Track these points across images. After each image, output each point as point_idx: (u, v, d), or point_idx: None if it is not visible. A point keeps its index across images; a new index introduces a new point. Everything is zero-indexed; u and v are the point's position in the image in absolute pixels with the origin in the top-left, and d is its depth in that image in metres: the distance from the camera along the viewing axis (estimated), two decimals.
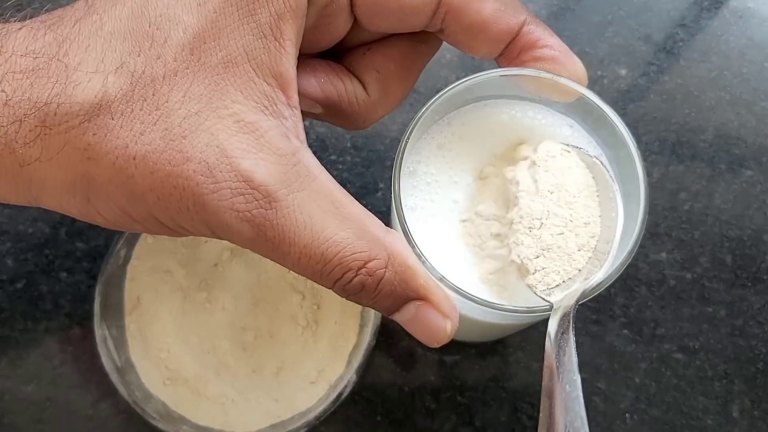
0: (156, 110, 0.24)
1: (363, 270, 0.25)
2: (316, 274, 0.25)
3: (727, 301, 0.41)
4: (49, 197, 0.26)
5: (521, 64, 0.29)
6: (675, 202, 0.43)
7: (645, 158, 0.43)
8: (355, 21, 0.29)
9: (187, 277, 0.39)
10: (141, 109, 0.24)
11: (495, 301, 0.27)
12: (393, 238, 0.26)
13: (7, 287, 0.41)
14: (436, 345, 0.27)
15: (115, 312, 0.38)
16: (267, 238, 0.25)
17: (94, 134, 0.24)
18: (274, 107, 0.25)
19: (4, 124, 0.24)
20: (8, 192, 0.26)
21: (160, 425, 0.36)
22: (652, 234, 0.42)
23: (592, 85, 0.45)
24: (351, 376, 0.37)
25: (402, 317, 0.27)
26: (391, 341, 0.40)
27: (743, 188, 0.43)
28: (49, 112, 0.24)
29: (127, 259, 0.39)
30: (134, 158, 0.24)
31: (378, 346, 0.40)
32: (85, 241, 0.41)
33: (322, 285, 0.26)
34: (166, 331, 0.38)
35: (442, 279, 0.26)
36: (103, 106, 0.24)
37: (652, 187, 0.43)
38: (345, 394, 0.36)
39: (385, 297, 0.26)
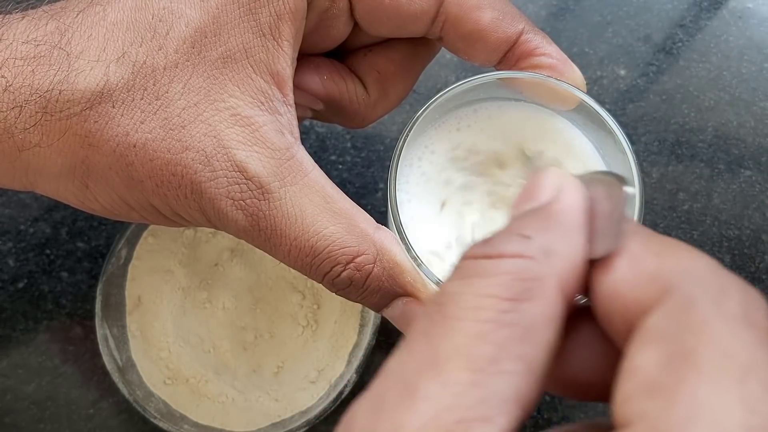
0: (156, 100, 0.25)
1: (351, 264, 0.25)
2: (305, 267, 0.26)
3: None
4: (46, 183, 0.26)
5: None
6: (674, 202, 0.43)
7: (644, 158, 0.44)
8: (356, 25, 0.29)
9: (187, 277, 0.39)
10: (142, 98, 0.25)
11: None
12: (382, 234, 0.26)
13: (8, 287, 0.41)
14: None
15: (116, 311, 0.38)
16: (260, 228, 0.25)
17: (96, 121, 0.24)
18: (270, 103, 0.26)
19: (4, 109, 0.24)
20: (4, 176, 0.26)
21: (161, 424, 0.36)
22: None
23: (591, 85, 0.45)
24: (351, 376, 0.37)
25: (391, 313, 0.27)
26: (391, 341, 0.40)
27: (742, 188, 0.44)
28: (51, 98, 0.24)
29: (128, 259, 0.39)
30: (134, 146, 0.25)
31: (378, 346, 0.40)
32: (86, 241, 0.42)
33: (312, 279, 0.26)
34: (167, 331, 0.39)
35: (438, 282, 0.27)
36: (105, 94, 0.24)
37: (651, 187, 0.43)
38: (345, 394, 0.37)
39: (373, 292, 0.26)
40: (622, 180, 0.18)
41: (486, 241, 0.17)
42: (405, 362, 0.16)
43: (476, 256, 0.17)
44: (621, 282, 0.16)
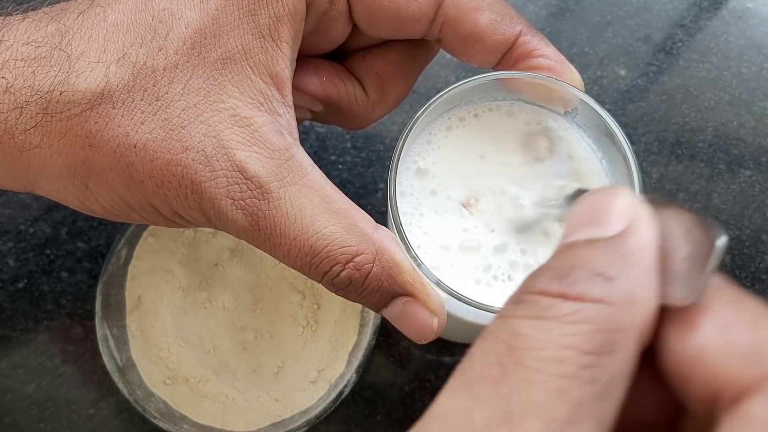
0: (156, 101, 0.25)
1: (350, 264, 0.25)
2: (305, 266, 0.26)
3: None
4: (46, 183, 0.26)
5: None
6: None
7: (644, 158, 0.44)
8: (355, 27, 0.29)
9: (187, 277, 0.39)
10: (142, 99, 0.25)
11: (491, 304, 0.27)
12: (382, 234, 0.26)
13: (8, 287, 0.41)
14: (423, 341, 0.27)
15: (116, 311, 0.38)
16: (260, 228, 0.25)
17: (96, 122, 0.24)
18: (269, 104, 0.26)
19: (5, 110, 0.24)
20: (5, 177, 0.26)
21: (161, 424, 0.36)
22: None
23: (591, 85, 0.45)
24: (351, 376, 0.37)
25: (390, 313, 0.27)
26: (391, 341, 0.40)
27: (742, 188, 0.44)
28: (51, 99, 0.24)
29: (128, 259, 0.39)
30: (135, 146, 0.25)
31: (378, 346, 0.40)
32: (86, 241, 0.42)
33: (312, 278, 0.26)
34: (167, 331, 0.39)
35: (438, 282, 0.27)
36: (105, 95, 0.24)
37: (651, 187, 0.43)
38: (345, 394, 0.37)
39: (372, 292, 0.26)
40: (712, 226, 0.16)
41: (561, 275, 0.16)
42: (471, 411, 0.14)
43: (551, 293, 0.15)
44: (709, 350, 0.15)
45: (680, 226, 0.16)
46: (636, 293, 0.15)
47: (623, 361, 0.15)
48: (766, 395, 0.14)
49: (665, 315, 0.16)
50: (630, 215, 0.16)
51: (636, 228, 0.16)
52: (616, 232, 0.16)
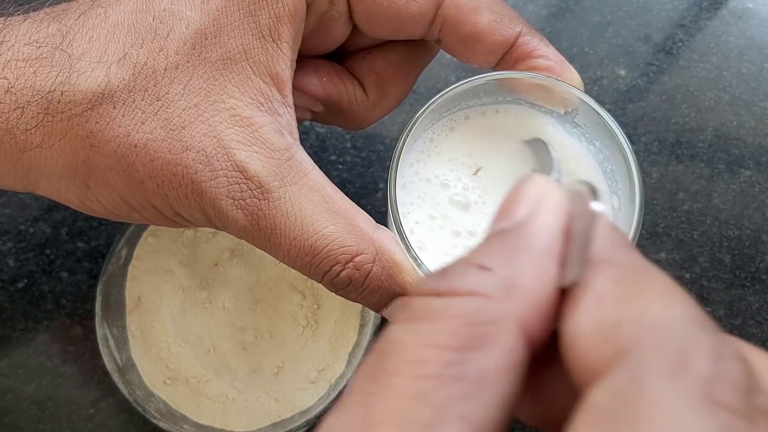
0: (157, 101, 0.25)
1: (351, 264, 0.25)
2: (305, 266, 0.26)
3: (726, 300, 0.41)
4: (47, 183, 0.26)
5: None
6: (674, 202, 0.43)
7: (644, 158, 0.44)
8: (355, 27, 0.29)
9: (187, 277, 0.39)
10: (142, 99, 0.25)
11: None
12: (382, 233, 0.26)
13: (8, 287, 0.41)
14: None
15: (116, 311, 0.38)
16: (260, 228, 0.25)
17: (97, 122, 0.25)
18: (270, 104, 0.26)
19: (6, 110, 0.24)
20: (6, 177, 0.26)
21: (161, 424, 0.36)
22: (651, 234, 0.42)
23: (591, 85, 0.45)
24: (351, 376, 0.37)
25: (390, 313, 0.27)
26: None
27: (742, 188, 0.44)
28: (52, 100, 0.24)
29: (128, 259, 0.39)
30: (135, 146, 0.25)
31: None
32: (86, 241, 0.42)
33: (312, 278, 0.26)
34: (167, 331, 0.39)
35: None
36: (106, 95, 0.24)
37: (651, 187, 0.43)
38: None
39: (372, 292, 0.26)
40: (592, 192, 0.15)
41: (440, 273, 0.15)
42: (337, 425, 0.14)
43: (425, 292, 0.14)
44: (580, 332, 0.14)
45: (580, 205, 0.15)
46: (516, 281, 0.14)
47: (500, 355, 0.13)
48: (611, 378, 0.12)
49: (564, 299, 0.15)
50: (535, 202, 0.16)
51: (537, 214, 0.15)
52: (517, 221, 0.15)
